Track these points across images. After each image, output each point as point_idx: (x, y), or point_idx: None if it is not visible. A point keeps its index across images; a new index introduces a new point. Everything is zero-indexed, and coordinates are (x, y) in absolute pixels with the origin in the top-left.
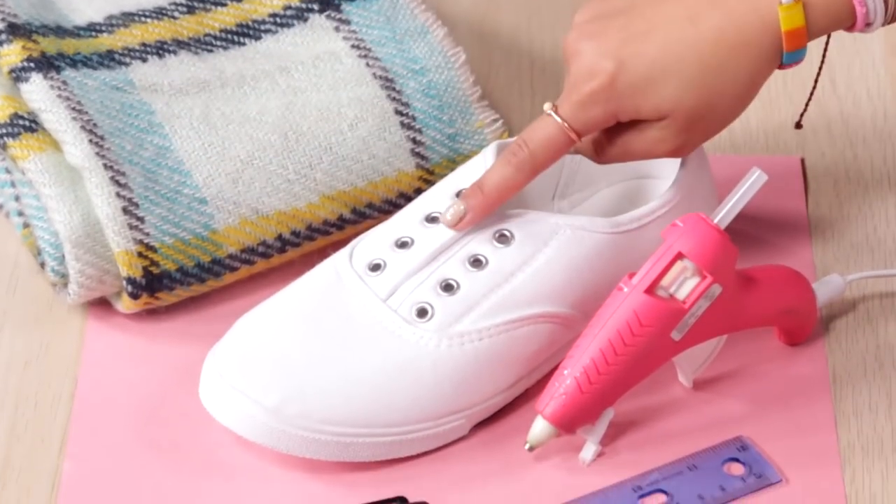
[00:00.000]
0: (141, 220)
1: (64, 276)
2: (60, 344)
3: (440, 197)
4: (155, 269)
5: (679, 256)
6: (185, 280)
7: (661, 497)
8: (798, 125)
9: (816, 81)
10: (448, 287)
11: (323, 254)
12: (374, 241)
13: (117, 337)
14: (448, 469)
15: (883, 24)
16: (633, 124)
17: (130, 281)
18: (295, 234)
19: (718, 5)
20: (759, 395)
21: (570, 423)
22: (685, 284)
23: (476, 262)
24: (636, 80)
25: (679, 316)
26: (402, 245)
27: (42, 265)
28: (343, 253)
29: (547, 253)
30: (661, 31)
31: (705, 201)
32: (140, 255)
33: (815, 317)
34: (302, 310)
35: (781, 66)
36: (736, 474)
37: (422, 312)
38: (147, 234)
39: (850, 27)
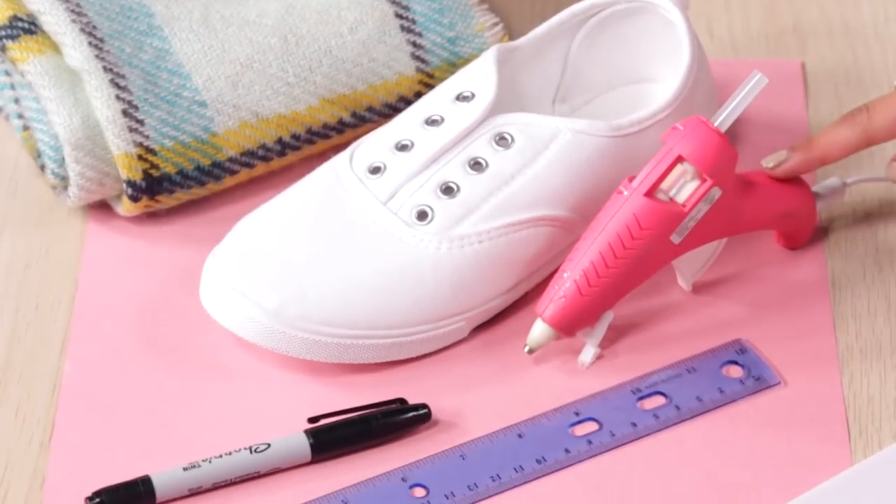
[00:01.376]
0: (140, 122)
1: (64, 179)
2: (61, 246)
3: (440, 100)
4: (155, 172)
5: (679, 160)
6: (184, 183)
7: (660, 399)
8: None
9: None
10: (448, 190)
11: (322, 157)
12: (374, 144)
13: (117, 240)
14: (447, 371)
15: None
16: None
17: (130, 184)
18: (295, 137)
19: None
20: (759, 298)
21: (569, 325)
22: (685, 188)
23: (476, 165)
24: None
25: (679, 219)
26: (402, 148)
27: (42, 168)
28: (343, 156)
29: (547, 156)
30: None
31: (706, 105)
32: (140, 157)
33: (814, 221)
34: (302, 212)
35: None
36: (734, 377)
37: (422, 215)
38: (147, 137)
39: None
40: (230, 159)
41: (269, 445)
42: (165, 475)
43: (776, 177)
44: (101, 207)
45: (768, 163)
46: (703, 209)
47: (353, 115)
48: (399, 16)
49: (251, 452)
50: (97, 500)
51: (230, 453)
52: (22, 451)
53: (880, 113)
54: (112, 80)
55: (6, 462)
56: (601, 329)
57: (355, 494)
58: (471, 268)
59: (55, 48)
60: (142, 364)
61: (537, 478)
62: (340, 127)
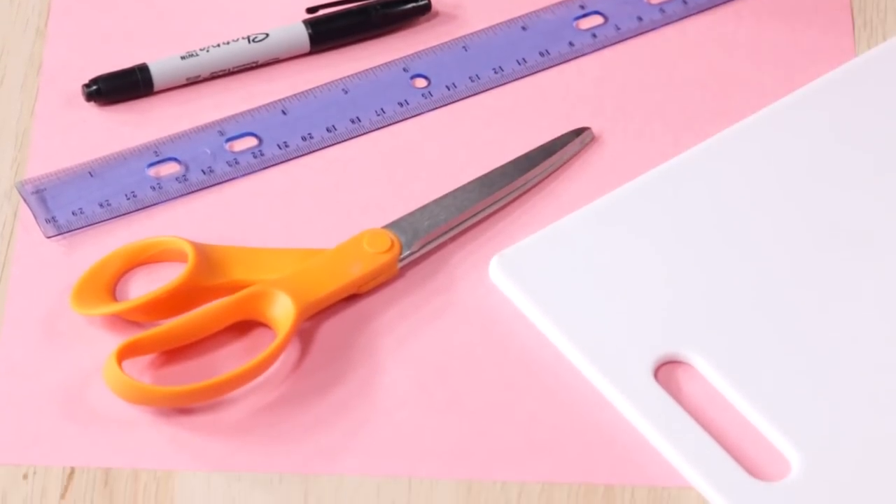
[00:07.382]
0: None
1: None
2: None
3: None
4: None
5: None
6: None
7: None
8: None
9: None
10: None
11: None
12: None
13: None
14: None
15: None
16: None
17: None
18: None
19: None
20: None
21: None
22: None
23: None
24: None
25: None
26: None
27: None
28: None
29: None
30: None
31: None
32: None
33: None
34: None
35: None
36: None
37: None
38: None
39: None
40: None
41: (267, 35)
42: (163, 63)
43: None
44: None
45: None
46: None
47: None
48: None
49: (249, 42)
50: (94, 87)
51: (228, 43)
52: (18, 36)
53: None
54: None
55: (1, 48)
56: None
57: (355, 83)
58: None
59: None
60: None
61: (540, 70)
62: None
